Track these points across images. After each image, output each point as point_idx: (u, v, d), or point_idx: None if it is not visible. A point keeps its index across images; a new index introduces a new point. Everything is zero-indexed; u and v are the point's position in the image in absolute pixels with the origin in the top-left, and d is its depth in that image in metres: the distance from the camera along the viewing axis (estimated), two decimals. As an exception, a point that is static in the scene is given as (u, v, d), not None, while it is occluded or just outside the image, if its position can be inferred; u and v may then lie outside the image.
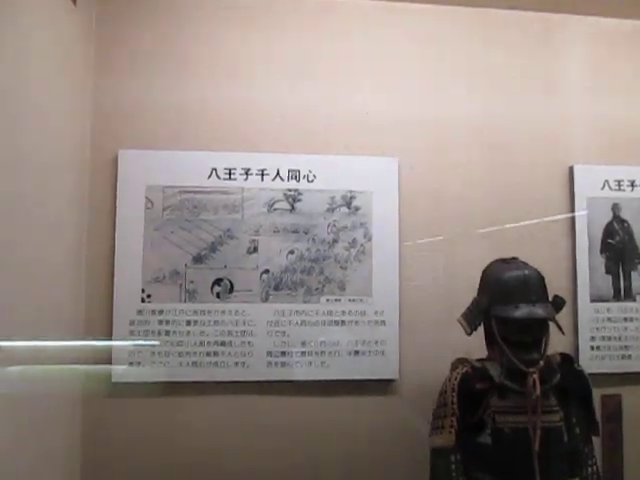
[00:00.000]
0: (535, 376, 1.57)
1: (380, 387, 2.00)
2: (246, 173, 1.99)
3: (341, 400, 1.98)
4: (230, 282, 1.94)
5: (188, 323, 1.92)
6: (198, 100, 2.02)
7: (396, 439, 1.97)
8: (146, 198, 1.94)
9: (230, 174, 1.98)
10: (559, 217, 2.18)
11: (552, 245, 2.16)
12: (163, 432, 1.91)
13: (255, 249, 1.96)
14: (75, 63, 1.87)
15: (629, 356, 2.18)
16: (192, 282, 1.93)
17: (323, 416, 1.97)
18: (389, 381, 2.00)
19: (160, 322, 1.91)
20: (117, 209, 1.93)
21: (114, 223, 1.93)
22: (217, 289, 1.93)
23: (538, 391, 1.57)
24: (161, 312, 1.92)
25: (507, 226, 2.11)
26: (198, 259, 1.94)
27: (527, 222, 2.13)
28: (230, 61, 2.05)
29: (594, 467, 1.69)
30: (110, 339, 1.89)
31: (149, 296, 1.92)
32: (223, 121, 2.02)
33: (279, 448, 1.94)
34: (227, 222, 1.96)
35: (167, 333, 1.91)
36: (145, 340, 1.90)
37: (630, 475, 2.14)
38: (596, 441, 1.87)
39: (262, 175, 1.99)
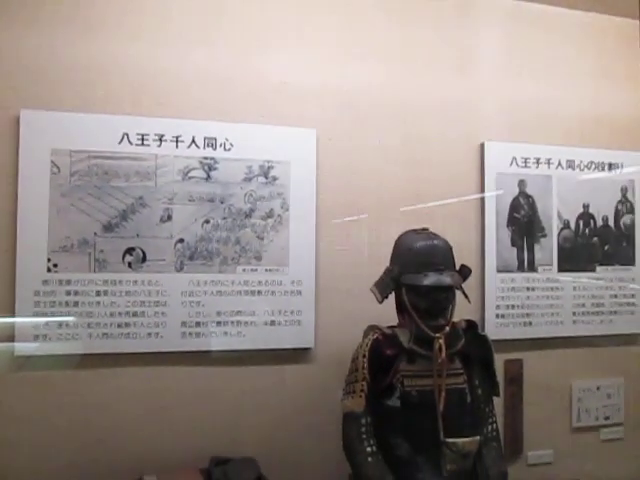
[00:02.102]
0: (441, 341, 1.65)
1: (296, 356, 2.03)
2: (160, 139, 1.92)
3: (258, 369, 1.99)
4: (142, 251, 1.88)
5: (98, 293, 1.85)
6: (110, 61, 1.91)
7: (313, 406, 2.02)
8: (52, 162, 1.83)
9: (143, 140, 1.90)
10: (470, 191, 2.27)
11: (463, 218, 2.25)
12: (73, 406, 1.84)
13: (169, 218, 1.90)
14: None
15: (530, 323, 2.33)
16: (102, 251, 1.85)
17: (240, 385, 1.98)
18: (305, 350, 2.03)
19: (68, 293, 1.83)
20: (19, 173, 1.81)
21: (16, 188, 1.81)
22: (129, 258, 1.87)
23: (444, 355, 1.64)
24: (69, 282, 1.83)
25: (421, 198, 2.17)
26: (108, 227, 1.86)
27: (440, 195, 2.20)
28: (145, 22, 1.95)
29: (494, 425, 1.80)
30: (13, 310, 1.79)
31: (55, 265, 1.82)
32: (136, 85, 1.93)
33: (196, 418, 1.93)
34: (139, 189, 1.89)
35: (75, 304, 1.83)
36: (52, 311, 1.81)
37: (529, 433, 2.31)
38: (498, 402, 2.00)
39: (177, 142, 1.93)
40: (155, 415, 1.90)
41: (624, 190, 2.49)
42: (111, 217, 1.87)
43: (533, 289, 2.34)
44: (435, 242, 1.71)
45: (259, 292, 1.97)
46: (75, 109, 1.87)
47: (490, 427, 1.79)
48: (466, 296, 1.78)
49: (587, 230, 2.43)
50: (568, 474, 2.28)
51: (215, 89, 1.99)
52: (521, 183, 2.33)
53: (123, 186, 1.88)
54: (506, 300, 2.29)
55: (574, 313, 2.40)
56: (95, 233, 1.85)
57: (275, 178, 2.00)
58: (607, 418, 2.46)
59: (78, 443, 1.83)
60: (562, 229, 2.39)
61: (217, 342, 1.93)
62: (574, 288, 2.40)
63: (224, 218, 1.95)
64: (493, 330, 2.20)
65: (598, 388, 2.45)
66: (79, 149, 1.86)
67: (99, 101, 1.90)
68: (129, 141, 1.90)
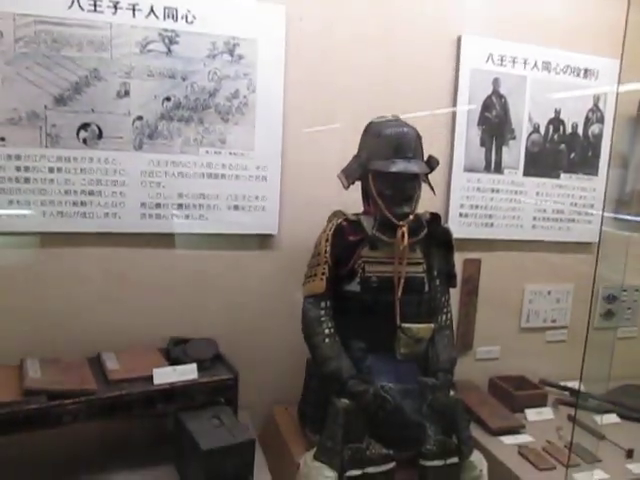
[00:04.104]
0: (404, 229, 1.66)
1: (259, 242, 2.02)
2: (115, 6, 1.75)
3: (220, 254, 1.97)
4: (98, 127, 1.77)
5: (51, 170, 1.75)
6: None
7: (274, 291, 2.03)
8: (-7, 26, 1.67)
9: (95, 6, 1.73)
10: (444, 86, 2.20)
11: (435, 113, 2.19)
12: (28, 285, 1.80)
13: (126, 93, 1.79)
14: None
15: (491, 224, 2.36)
16: (54, 126, 1.74)
17: (201, 269, 1.96)
18: (268, 236, 2.02)
19: (18, 168, 1.73)
20: (-43, 36, 1.65)
21: (-46, 52, 1.65)
22: (83, 134, 1.77)
23: (406, 243, 1.66)
24: (19, 157, 1.73)
25: (393, 89, 2.09)
26: (60, 100, 1.74)
27: (413, 87, 2.12)
28: None
29: (448, 315, 1.85)
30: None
31: (3, 139, 1.71)
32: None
33: (156, 300, 1.92)
34: (93, 61, 1.75)
35: (27, 180, 1.74)
36: (0, 187, 1.72)
37: (480, 330, 2.41)
38: (454, 299, 2.05)
39: (133, 10, 1.77)
40: (114, 296, 1.88)
41: (596, 98, 2.46)
42: (63, 89, 1.74)
43: (497, 191, 2.35)
44: (405, 130, 1.67)
45: (223, 176, 1.91)
46: (18, -33, 1.68)
47: (444, 316, 1.84)
48: (432, 187, 1.77)
49: (556, 136, 2.42)
50: (512, 369, 2.39)
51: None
52: (495, 82, 2.27)
53: (75, 56, 1.74)
54: (470, 200, 2.30)
55: (534, 218, 2.44)
56: (46, 106, 1.73)
57: (241, 57, 1.88)
58: (554, 321, 2.57)
59: (34, 322, 1.80)
60: (531, 133, 2.37)
61: (178, 225, 1.88)
62: (537, 193, 2.43)
63: (186, 96, 1.84)
64: (456, 229, 2.17)
65: (549, 292, 2.55)
66: (24, 12, 1.68)
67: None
68: (80, 6, 1.73)
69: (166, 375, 1.61)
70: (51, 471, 1.59)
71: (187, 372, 1.63)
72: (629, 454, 1.93)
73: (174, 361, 1.71)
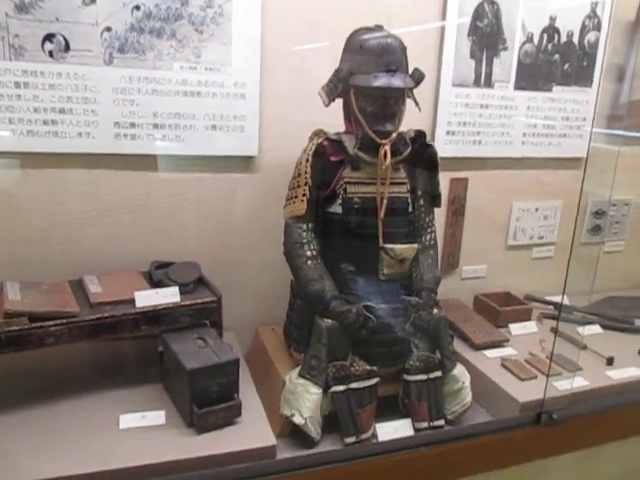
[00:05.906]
0: (387, 147, 1.60)
1: (239, 164, 1.95)
2: None
3: (199, 177, 1.91)
4: (65, 39, 1.65)
5: (17, 85, 1.65)
6: None
7: (256, 215, 2.00)
8: None
9: None
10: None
11: (423, 24, 2.06)
12: (2, 208, 1.74)
13: (92, 0, 1.66)
14: None
15: (479, 142, 2.30)
16: (17, 36, 1.61)
17: (180, 192, 1.91)
18: (248, 158, 1.95)
19: (-18, 83, 1.64)
20: None
21: None
22: (49, 46, 1.64)
23: (388, 162, 1.61)
24: (-18, 71, 1.63)
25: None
26: (22, 8, 1.60)
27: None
28: None
29: (432, 234, 1.84)
30: None
31: (-35, 50, 1.60)
32: None
33: (135, 224, 1.88)
34: (53, -39, 1.61)
35: (-8, 97, 1.65)
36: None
37: (466, 250, 2.42)
38: (440, 220, 2.03)
39: None
40: (93, 219, 1.83)
41: (594, 3, 2.33)
42: (24, -5, 1.61)
43: (487, 106, 2.26)
44: (388, 40, 1.58)
45: (198, 93, 1.81)
46: None
47: (429, 236, 1.83)
48: (417, 103, 1.70)
49: (550, 46, 2.31)
50: (498, 287, 2.42)
51: None
52: (488, -13, 2.13)
53: (32, -44, 1.59)
54: (458, 117, 2.22)
55: (524, 134, 2.38)
56: (7, 13, 1.59)
57: (213, -42, 1.74)
58: (541, 238, 2.58)
59: (13, 245, 1.77)
60: (524, 43, 2.26)
61: (154, 146, 1.80)
62: (528, 107, 2.35)
63: (157, 5, 1.70)
64: (442, 147, 2.14)
65: (537, 209, 2.53)
66: None
67: None
68: None
69: (148, 298, 1.60)
70: (41, 389, 1.63)
71: (169, 295, 1.63)
72: (609, 362, 1.99)
73: (156, 284, 1.71)
